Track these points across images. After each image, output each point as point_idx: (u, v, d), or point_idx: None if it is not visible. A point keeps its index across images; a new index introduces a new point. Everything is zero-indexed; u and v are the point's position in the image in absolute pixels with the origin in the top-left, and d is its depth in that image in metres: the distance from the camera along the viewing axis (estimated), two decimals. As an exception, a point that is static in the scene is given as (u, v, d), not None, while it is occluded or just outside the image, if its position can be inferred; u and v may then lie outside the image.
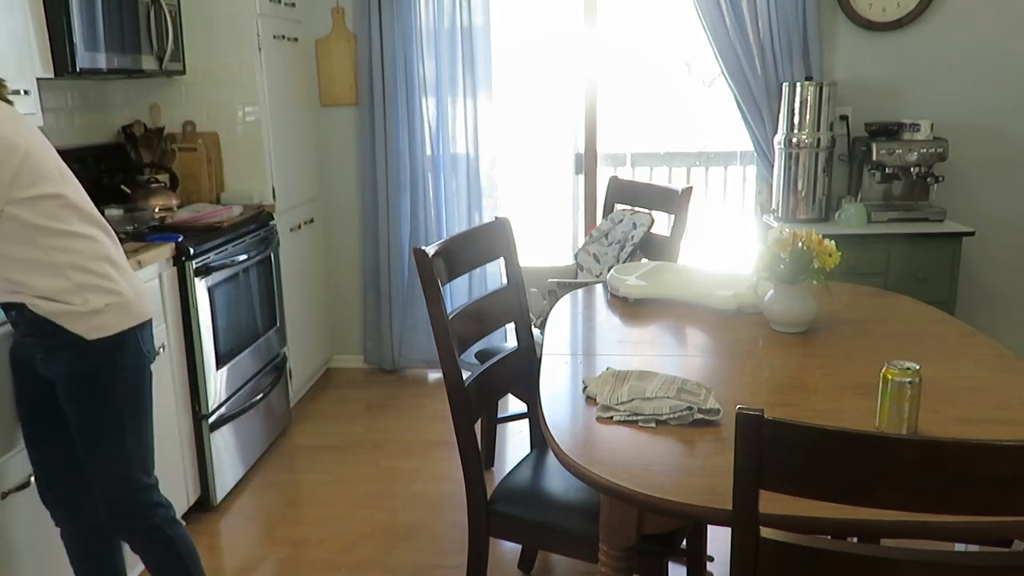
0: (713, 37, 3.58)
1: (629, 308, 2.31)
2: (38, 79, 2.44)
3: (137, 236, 2.73)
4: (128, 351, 1.82)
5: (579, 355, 2.02)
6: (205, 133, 3.41)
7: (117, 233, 2.68)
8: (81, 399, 1.80)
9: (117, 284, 1.80)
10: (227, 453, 2.98)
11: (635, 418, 1.55)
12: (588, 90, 3.89)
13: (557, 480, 1.98)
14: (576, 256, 3.17)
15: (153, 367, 2.52)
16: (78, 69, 2.54)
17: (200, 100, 3.39)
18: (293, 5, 3.72)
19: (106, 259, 1.81)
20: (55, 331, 1.73)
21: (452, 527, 2.75)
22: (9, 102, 1.76)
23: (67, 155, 2.91)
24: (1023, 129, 3.66)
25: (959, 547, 1.74)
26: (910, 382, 1.41)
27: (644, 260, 2.88)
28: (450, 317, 1.95)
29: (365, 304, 4.15)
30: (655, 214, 3.01)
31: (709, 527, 2.20)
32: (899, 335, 2.07)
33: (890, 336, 2.06)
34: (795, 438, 1.07)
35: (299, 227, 3.77)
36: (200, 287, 2.77)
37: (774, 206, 3.62)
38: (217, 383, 2.89)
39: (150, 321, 1.90)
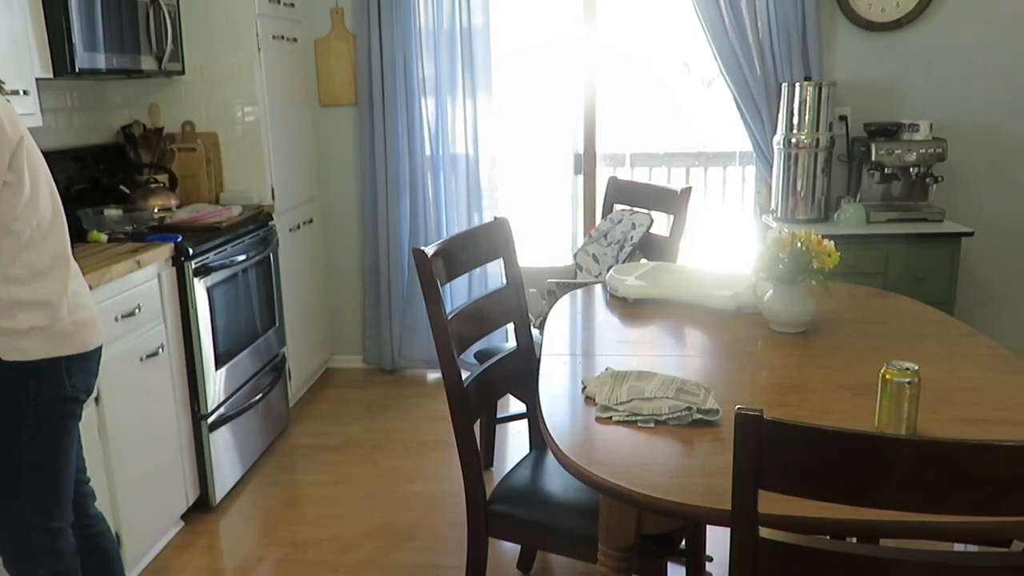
0: (712, 37, 3.58)
1: (628, 308, 2.31)
2: (37, 79, 2.44)
3: (136, 236, 2.74)
4: (46, 380, 1.70)
5: (578, 355, 2.02)
6: (204, 133, 3.41)
7: (116, 233, 2.73)
8: None
9: (57, 310, 1.69)
10: (226, 453, 2.98)
11: (634, 418, 1.55)
12: (587, 90, 3.89)
13: (556, 480, 1.98)
14: (575, 256, 3.17)
15: (152, 368, 2.55)
16: (77, 69, 2.54)
17: (199, 100, 3.39)
18: (292, 5, 3.72)
19: (58, 279, 1.71)
20: None
21: (451, 527, 2.75)
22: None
23: (66, 155, 2.95)
24: (1022, 129, 3.66)
25: (958, 547, 1.75)
26: (909, 382, 1.41)
27: (643, 260, 2.88)
28: (449, 317, 1.95)
29: (364, 304, 4.15)
30: (654, 214, 3.01)
31: (708, 527, 2.20)
32: (898, 335, 2.07)
33: (889, 336, 2.06)
34: (794, 438, 1.07)
35: (298, 227, 3.77)
36: (199, 287, 2.77)
37: (773, 206, 3.62)
38: (216, 383, 2.89)
39: (91, 353, 1.78)
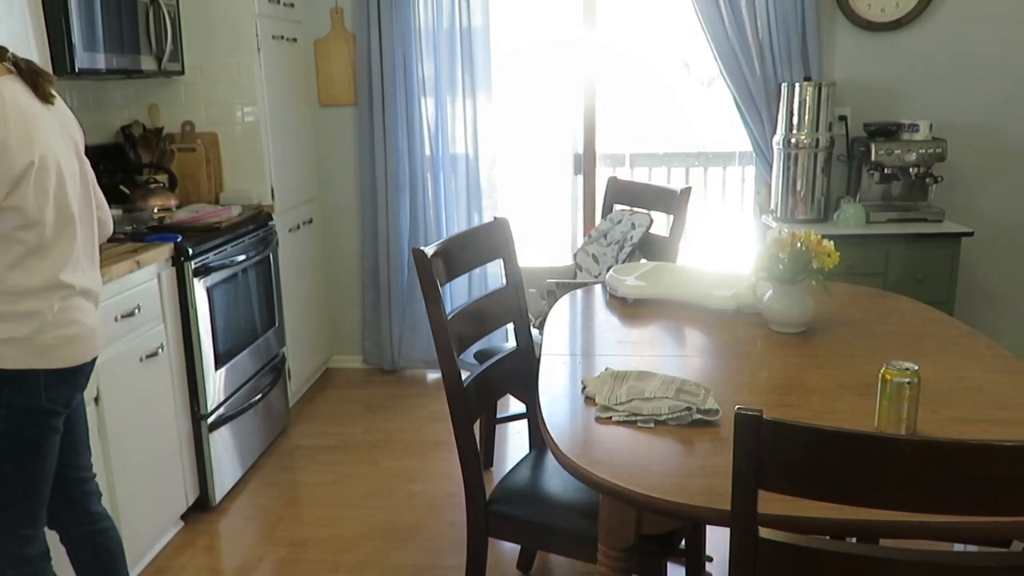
0: (712, 37, 3.58)
1: (628, 308, 2.31)
2: (37, 79, 2.43)
3: (136, 236, 2.73)
4: (20, 390, 1.67)
5: (578, 355, 2.02)
6: (204, 133, 3.41)
7: (116, 233, 2.72)
8: None
9: (40, 323, 1.65)
10: (226, 453, 2.98)
11: (634, 418, 1.55)
12: (587, 90, 3.89)
13: (556, 480, 1.98)
14: (575, 256, 3.17)
15: (152, 368, 2.55)
16: (77, 70, 2.54)
17: (199, 100, 3.39)
18: (292, 5, 3.72)
19: (46, 296, 1.66)
20: None
21: (451, 527, 2.75)
22: (50, 100, 1.69)
23: (66, 155, 2.94)
24: (1022, 129, 3.66)
25: (958, 547, 1.75)
26: (909, 382, 1.41)
27: (643, 260, 2.88)
28: (449, 317, 1.95)
29: (364, 304, 4.15)
30: (654, 214, 3.01)
31: (708, 527, 2.21)
32: (898, 335, 2.07)
33: (889, 336, 2.06)
34: (794, 438, 1.07)
35: (298, 227, 3.77)
36: (199, 287, 2.77)
37: (773, 206, 3.62)
38: (216, 383, 2.89)
39: (75, 369, 1.74)
